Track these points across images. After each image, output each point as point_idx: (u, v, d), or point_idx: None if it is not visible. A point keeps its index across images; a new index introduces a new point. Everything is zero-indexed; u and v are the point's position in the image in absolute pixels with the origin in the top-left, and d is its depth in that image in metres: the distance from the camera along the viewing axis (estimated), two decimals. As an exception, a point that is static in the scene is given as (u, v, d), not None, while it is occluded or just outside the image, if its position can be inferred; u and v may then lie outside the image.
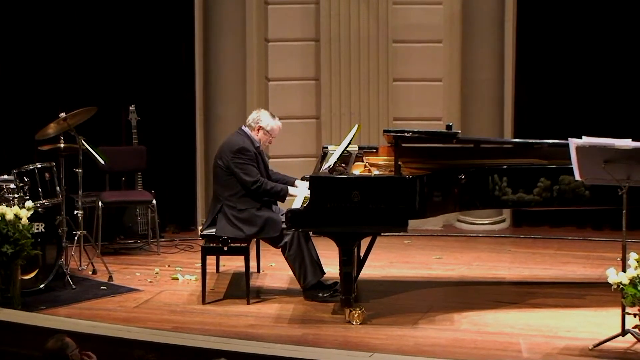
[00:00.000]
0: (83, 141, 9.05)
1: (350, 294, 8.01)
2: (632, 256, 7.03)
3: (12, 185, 8.73)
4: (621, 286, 6.95)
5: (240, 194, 8.39)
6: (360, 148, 8.93)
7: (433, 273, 9.35)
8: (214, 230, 8.42)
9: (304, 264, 8.37)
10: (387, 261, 9.67)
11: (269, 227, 8.39)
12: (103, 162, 9.30)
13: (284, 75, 11.12)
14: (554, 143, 8.41)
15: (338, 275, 8.12)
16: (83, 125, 9.21)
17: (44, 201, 8.95)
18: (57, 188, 9.07)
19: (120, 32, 10.81)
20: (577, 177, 7.34)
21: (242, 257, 8.34)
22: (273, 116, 8.64)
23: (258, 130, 8.58)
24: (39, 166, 9.00)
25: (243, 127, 8.62)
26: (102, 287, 8.88)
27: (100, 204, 9.93)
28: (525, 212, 10.97)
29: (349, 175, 8.18)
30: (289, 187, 8.49)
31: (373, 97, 11.03)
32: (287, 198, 8.48)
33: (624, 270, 7.02)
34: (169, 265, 9.60)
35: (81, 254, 9.33)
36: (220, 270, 9.29)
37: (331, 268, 8.51)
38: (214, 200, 8.64)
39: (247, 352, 7.08)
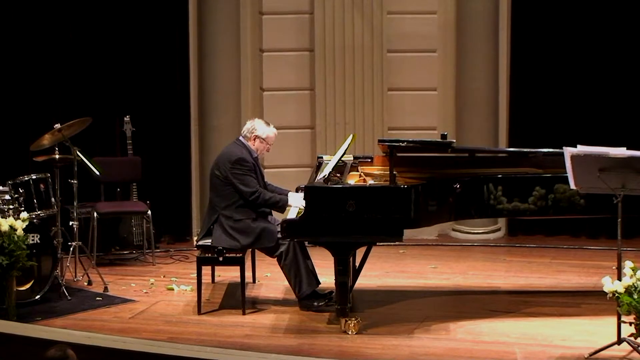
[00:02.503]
0: (78, 152, 9.05)
1: (345, 303, 8.01)
2: (628, 264, 7.03)
3: (7, 197, 8.70)
4: (617, 295, 6.95)
5: (237, 204, 8.39)
6: (355, 158, 8.93)
7: (428, 282, 9.35)
8: (209, 240, 8.41)
9: (300, 273, 8.37)
10: (382, 271, 9.66)
11: (264, 237, 8.38)
12: (98, 173, 9.30)
13: (278, 86, 11.12)
14: (548, 152, 8.42)
15: (333, 285, 8.12)
16: (78, 136, 9.20)
17: (39, 212, 8.93)
18: (52, 199, 9.06)
19: (115, 43, 10.82)
20: (572, 185, 7.35)
21: (238, 268, 8.33)
22: (267, 124, 8.64)
23: (254, 139, 8.58)
24: (34, 177, 8.97)
25: (240, 138, 8.62)
26: (97, 298, 8.86)
27: (95, 214, 9.93)
28: (521, 221, 10.97)
29: (344, 185, 8.18)
30: (287, 198, 8.49)
31: (368, 107, 11.04)
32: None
33: (619, 279, 7.02)
34: (164, 276, 9.60)
35: (76, 264, 9.32)
36: (215, 281, 9.27)
37: (326, 278, 8.50)
38: (209, 211, 8.62)
39: (243, 362, 7.09)
